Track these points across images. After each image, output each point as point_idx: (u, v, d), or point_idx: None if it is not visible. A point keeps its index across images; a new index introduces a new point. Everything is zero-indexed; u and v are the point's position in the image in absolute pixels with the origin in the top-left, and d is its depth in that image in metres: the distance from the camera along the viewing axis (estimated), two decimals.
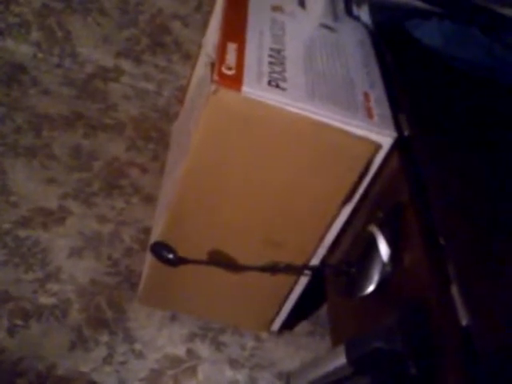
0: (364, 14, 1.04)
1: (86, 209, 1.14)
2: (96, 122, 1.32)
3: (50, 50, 1.42)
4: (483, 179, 0.78)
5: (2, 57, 1.38)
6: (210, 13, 1.14)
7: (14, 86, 1.33)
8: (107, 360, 0.95)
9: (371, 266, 0.77)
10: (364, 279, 0.77)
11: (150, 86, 1.46)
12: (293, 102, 0.79)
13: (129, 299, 1.04)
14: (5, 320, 0.94)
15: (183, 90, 1.30)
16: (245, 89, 0.78)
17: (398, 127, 0.83)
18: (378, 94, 0.87)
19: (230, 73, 0.79)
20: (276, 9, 0.97)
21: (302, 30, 0.95)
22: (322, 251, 0.93)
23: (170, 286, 1.00)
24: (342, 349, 0.69)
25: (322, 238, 0.92)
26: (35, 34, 1.41)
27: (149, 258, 1.00)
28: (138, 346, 0.99)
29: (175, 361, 0.99)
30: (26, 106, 1.29)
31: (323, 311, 1.13)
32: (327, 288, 0.93)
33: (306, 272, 0.96)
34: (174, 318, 1.04)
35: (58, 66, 1.42)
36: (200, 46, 1.17)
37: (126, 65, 1.45)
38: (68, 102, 1.34)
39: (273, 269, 0.90)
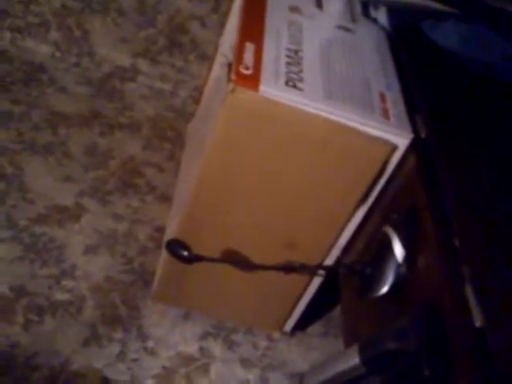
0: (381, 15, 1.04)
1: (102, 207, 1.15)
2: (112, 121, 1.33)
3: (69, 49, 1.43)
4: (500, 181, 0.78)
5: (21, 56, 1.39)
6: (227, 13, 1.14)
7: (33, 85, 1.34)
8: (120, 357, 0.96)
9: (386, 267, 0.76)
10: (378, 280, 0.77)
11: (167, 86, 1.47)
12: (309, 102, 0.79)
13: (143, 297, 1.04)
14: (20, 315, 0.95)
15: (199, 90, 1.30)
16: (262, 88, 0.78)
17: (414, 129, 0.83)
18: (394, 95, 0.87)
19: (247, 72, 0.80)
20: (294, 10, 0.97)
21: (320, 30, 0.95)
22: (336, 252, 0.93)
23: (184, 284, 1.01)
24: (355, 349, 0.69)
25: (336, 239, 0.92)
26: (54, 34, 1.42)
27: (163, 255, 1.00)
28: (150, 344, 0.99)
29: (188, 359, 1.00)
30: (43, 105, 1.30)
31: (336, 312, 1.13)
32: (341, 288, 0.93)
33: (320, 272, 0.96)
34: (187, 317, 1.05)
35: (76, 65, 1.43)
36: (217, 47, 1.18)
37: (143, 65, 1.46)
38: (85, 100, 1.35)
39: (287, 268, 0.90)
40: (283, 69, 0.83)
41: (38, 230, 1.07)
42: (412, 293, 0.74)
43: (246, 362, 1.03)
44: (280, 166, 0.84)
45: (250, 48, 0.84)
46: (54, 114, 1.29)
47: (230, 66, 0.83)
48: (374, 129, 0.80)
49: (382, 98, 0.85)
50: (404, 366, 0.67)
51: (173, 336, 1.02)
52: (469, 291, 0.64)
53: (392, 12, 1.04)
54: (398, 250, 0.75)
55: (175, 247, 0.89)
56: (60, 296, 0.99)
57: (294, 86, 0.80)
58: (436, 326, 0.66)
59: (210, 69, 1.21)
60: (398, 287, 0.76)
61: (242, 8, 0.93)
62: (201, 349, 1.02)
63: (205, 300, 1.04)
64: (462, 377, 0.61)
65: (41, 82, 1.35)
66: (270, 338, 1.07)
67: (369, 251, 0.85)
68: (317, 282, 0.98)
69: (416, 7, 1.02)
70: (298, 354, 1.07)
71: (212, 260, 0.91)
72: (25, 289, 0.98)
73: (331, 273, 0.96)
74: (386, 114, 0.83)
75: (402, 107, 0.86)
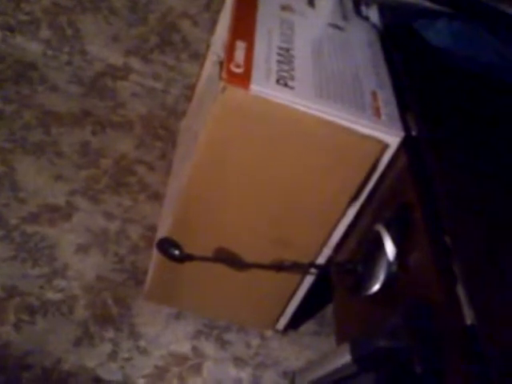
0: (373, 13, 1.04)
1: (94, 205, 1.15)
2: (104, 120, 1.33)
3: (60, 47, 1.43)
4: (491, 179, 0.78)
5: (11, 54, 1.39)
6: (218, 12, 1.14)
7: (24, 83, 1.33)
8: (112, 356, 0.96)
9: (377, 265, 0.76)
10: (370, 278, 0.77)
11: (159, 85, 1.46)
12: (301, 101, 0.79)
13: (134, 296, 1.04)
14: (11, 315, 0.95)
15: (191, 88, 1.30)
16: (253, 87, 0.78)
17: (405, 127, 0.83)
18: (386, 94, 0.87)
19: (238, 71, 0.79)
20: (285, 8, 0.97)
21: (311, 29, 0.95)
22: (328, 250, 0.93)
23: (176, 283, 1.01)
24: (347, 347, 0.69)
25: (328, 237, 0.92)
26: (45, 32, 1.42)
27: (155, 254, 1.00)
28: (142, 343, 0.99)
29: (180, 358, 1.00)
30: (35, 103, 1.30)
31: (328, 311, 1.13)
32: (333, 287, 0.93)
33: (312, 271, 0.96)
34: (179, 316, 1.04)
35: (68, 63, 1.42)
36: (208, 45, 1.18)
37: (135, 63, 1.46)
38: (77, 99, 1.35)
39: (279, 267, 0.90)
40: (274, 67, 0.83)
41: (29, 229, 1.06)
42: (403, 291, 0.74)
43: (238, 361, 1.03)
44: (271, 164, 0.84)
45: (241, 46, 0.84)
46: (45, 113, 1.28)
47: (221, 64, 0.83)
48: (365, 127, 0.80)
49: (374, 96, 0.85)
50: (396, 364, 0.67)
51: (165, 335, 1.01)
52: (460, 289, 0.64)
53: (384, 10, 1.04)
54: (390, 248, 0.75)
55: (166, 246, 0.89)
56: (51, 295, 0.99)
57: (285, 85, 0.80)
58: (427, 324, 0.66)
59: (201, 67, 1.21)
60: (390, 285, 0.76)
61: (234, 6, 0.93)
62: (193, 348, 1.01)
63: (197, 299, 1.04)
64: (454, 374, 0.61)
65: (32, 81, 1.35)
66: (262, 337, 1.07)
67: (360, 249, 0.85)
68: (309, 280, 0.98)
69: (408, 6, 1.02)
70: (291, 353, 1.07)
71: (203, 259, 0.91)
72: (16, 288, 0.98)
73: (323, 271, 0.96)
74: (377, 112, 0.83)
75: (393, 106, 0.86)
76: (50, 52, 1.42)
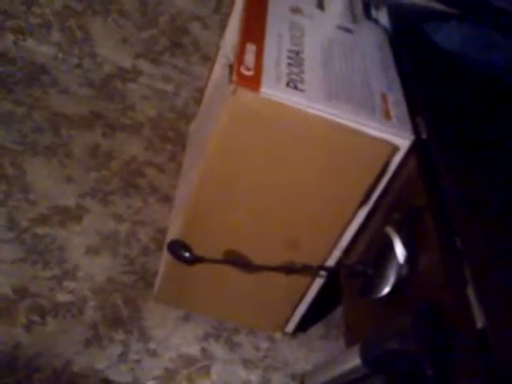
0: (382, 16, 1.04)
1: (104, 207, 1.15)
2: (114, 122, 1.33)
3: (70, 50, 1.43)
4: (501, 182, 0.78)
5: (23, 57, 1.39)
6: (228, 14, 1.14)
7: (35, 86, 1.34)
8: (122, 358, 0.96)
9: (387, 268, 0.76)
10: (380, 281, 0.77)
11: (168, 87, 1.47)
12: (311, 104, 0.79)
13: (144, 298, 1.04)
14: (22, 316, 0.95)
15: (201, 91, 1.30)
16: (263, 89, 0.78)
17: (415, 130, 0.82)
18: (395, 96, 0.87)
19: (248, 73, 0.80)
20: (295, 11, 0.97)
21: (321, 31, 0.95)
22: (337, 253, 0.93)
23: (186, 285, 1.01)
24: (356, 349, 0.69)
25: (338, 240, 0.91)
26: (56, 35, 1.42)
27: (165, 256, 1.00)
28: (152, 345, 0.99)
29: (189, 360, 1.00)
30: (45, 106, 1.30)
31: (338, 314, 1.13)
32: (342, 289, 0.93)
33: (322, 273, 0.96)
34: (188, 318, 1.05)
35: (78, 66, 1.43)
36: (218, 48, 1.18)
37: (145, 65, 1.46)
38: (87, 101, 1.36)
39: (288, 269, 0.90)
40: (284, 70, 0.83)
41: (39, 231, 1.07)
42: (413, 293, 0.74)
43: (247, 363, 1.03)
44: (281, 166, 0.84)
45: (251, 49, 0.84)
46: (56, 115, 1.29)
47: (231, 67, 0.83)
48: (375, 130, 0.80)
49: (384, 98, 0.85)
50: (406, 367, 0.67)
51: (174, 337, 1.02)
52: (470, 291, 0.64)
53: (393, 13, 1.04)
54: (400, 251, 0.75)
55: (177, 248, 0.89)
56: (62, 297, 1.00)
57: (296, 87, 0.80)
58: (438, 327, 0.66)
59: (211, 70, 1.21)
60: (400, 288, 0.76)
61: (244, 9, 0.93)
62: (202, 350, 1.02)
63: (206, 301, 1.04)
64: (464, 377, 0.61)
65: (43, 83, 1.35)
66: (271, 339, 1.07)
67: (370, 252, 0.84)
68: (318, 282, 0.98)
69: (418, 8, 1.02)
70: (300, 355, 1.07)
71: (213, 261, 0.91)
72: (27, 290, 0.98)
73: (333, 274, 0.96)
74: (387, 114, 0.83)
75: (403, 108, 0.85)
76: (60, 55, 1.43)
